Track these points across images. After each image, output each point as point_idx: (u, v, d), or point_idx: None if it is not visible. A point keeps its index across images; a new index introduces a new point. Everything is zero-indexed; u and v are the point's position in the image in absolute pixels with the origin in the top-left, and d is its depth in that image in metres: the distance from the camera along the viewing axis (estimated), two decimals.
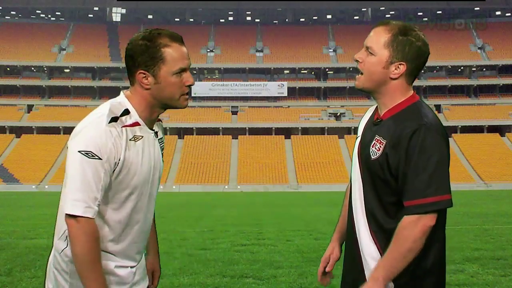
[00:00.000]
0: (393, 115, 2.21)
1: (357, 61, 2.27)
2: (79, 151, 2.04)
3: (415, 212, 2.05)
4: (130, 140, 2.12)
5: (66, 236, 2.11)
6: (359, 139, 2.34)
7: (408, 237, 2.05)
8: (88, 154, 2.03)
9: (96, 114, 2.13)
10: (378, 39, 2.22)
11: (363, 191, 2.24)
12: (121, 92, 2.23)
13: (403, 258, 2.05)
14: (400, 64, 2.20)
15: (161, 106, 2.21)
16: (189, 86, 2.21)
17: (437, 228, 2.13)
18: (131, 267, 2.22)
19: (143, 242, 2.28)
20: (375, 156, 2.18)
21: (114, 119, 2.10)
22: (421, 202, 2.05)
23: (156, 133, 2.27)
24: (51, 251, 2.22)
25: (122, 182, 2.12)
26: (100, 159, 2.04)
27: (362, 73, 2.26)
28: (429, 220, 2.06)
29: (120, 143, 2.09)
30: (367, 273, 2.19)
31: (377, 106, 2.34)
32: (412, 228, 2.05)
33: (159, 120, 2.32)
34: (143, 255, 2.34)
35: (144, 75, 2.14)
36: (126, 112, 2.14)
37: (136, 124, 2.15)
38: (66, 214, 2.05)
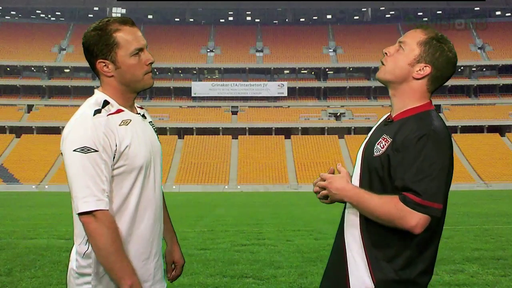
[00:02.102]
0: (405, 118, 2.22)
1: (385, 54, 2.29)
2: (74, 150, 2.07)
3: (409, 205, 2.06)
4: (120, 125, 2.16)
5: (87, 240, 2.13)
6: (367, 139, 2.36)
7: (392, 214, 2.07)
8: (83, 149, 2.06)
9: (78, 114, 2.17)
10: (413, 36, 2.26)
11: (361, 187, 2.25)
12: (95, 90, 2.28)
13: (373, 214, 2.12)
14: (425, 66, 2.22)
15: (130, 90, 2.25)
16: (150, 64, 2.25)
17: (430, 237, 2.15)
18: (154, 257, 2.24)
19: (160, 222, 2.31)
20: (377, 153, 2.19)
21: (98, 111, 2.15)
22: (416, 201, 2.06)
23: (143, 115, 2.32)
24: (68, 262, 2.24)
25: (125, 167, 2.15)
26: (96, 151, 2.07)
27: (385, 65, 2.28)
28: (412, 218, 2.06)
29: (111, 130, 2.12)
30: (350, 267, 2.20)
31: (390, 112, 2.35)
32: (400, 214, 2.07)
33: (142, 107, 2.39)
34: (161, 253, 2.35)
35: (104, 63, 2.19)
36: (106, 102, 2.19)
37: (120, 110, 2.20)
38: (80, 213, 2.06)
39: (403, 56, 2.24)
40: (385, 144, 2.18)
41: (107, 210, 2.07)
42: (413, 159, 2.08)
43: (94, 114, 2.13)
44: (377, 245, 2.16)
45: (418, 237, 2.11)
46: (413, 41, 2.24)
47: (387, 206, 2.08)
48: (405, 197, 2.07)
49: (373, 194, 2.12)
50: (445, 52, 2.23)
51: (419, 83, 2.23)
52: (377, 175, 2.18)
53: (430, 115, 2.20)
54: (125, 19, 2.24)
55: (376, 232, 2.17)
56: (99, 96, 2.22)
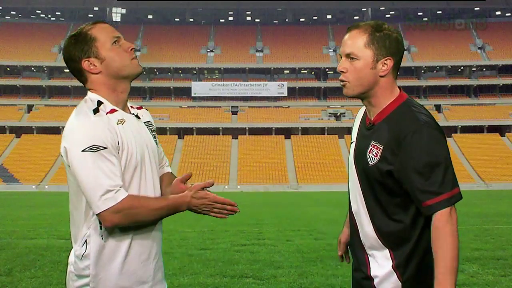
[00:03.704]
0: (385, 117, 2.20)
1: (341, 72, 2.23)
2: (83, 151, 2.06)
3: (441, 208, 2.07)
4: (117, 124, 2.17)
5: (85, 241, 2.14)
6: (353, 144, 2.34)
7: (451, 232, 2.06)
8: (92, 148, 2.06)
9: (78, 116, 2.15)
10: (356, 42, 2.19)
11: (364, 198, 2.24)
12: (88, 92, 2.27)
13: (457, 252, 2.06)
14: (387, 59, 2.19)
15: (120, 81, 2.25)
16: (133, 50, 2.27)
17: None
18: (154, 257, 2.25)
19: (160, 223, 2.31)
20: (373, 162, 2.18)
21: (97, 110, 2.16)
22: (443, 198, 2.06)
23: (136, 116, 2.32)
24: (67, 264, 2.24)
25: (123, 165, 2.15)
26: (105, 148, 2.08)
27: (348, 81, 2.22)
28: (455, 212, 2.09)
29: (113, 127, 2.14)
30: (375, 280, 2.21)
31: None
32: (447, 223, 2.06)
33: (141, 107, 2.40)
34: (161, 254, 2.34)
35: (89, 62, 2.21)
36: (100, 103, 2.20)
37: (113, 110, 2.21)
38: (100, 213, 2.05)
39: (361, 65, 2.18)
40: (378, 152, 2.16)
41: (126, 196, 2.08)
42: (417, 158, 2.08)
43: (94, 113, 2.13)
44: (398, 245, 2.18)
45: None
46: (360, 47, 2.18)
47: (447, 233, 2.06)
48: (430, 207, 2.08)
49: (437, 257, 2.07)
50: (391, 37, 2.19)
51: (386, 78, 2.21)
52: (378, 182, 2.18)
53: (409, 107, 2.19)
54: (96, 21, 2.29)
55: (393, 234, 2.18)
56: (92, 96, 2.22)
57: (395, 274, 2.17)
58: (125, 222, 2.08)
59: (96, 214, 2.07)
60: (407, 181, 2.10)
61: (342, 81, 2.23)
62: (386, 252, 2.19)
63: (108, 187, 2.04)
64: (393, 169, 2.12)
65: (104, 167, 2.05)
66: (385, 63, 2.19)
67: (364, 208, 2.24)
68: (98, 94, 2.22)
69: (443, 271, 2.04)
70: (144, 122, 2.35)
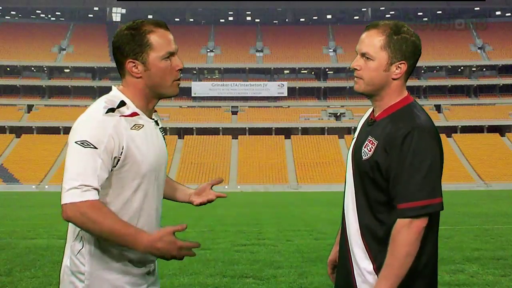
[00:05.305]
0: (387, 116, 2.22)
1: (355, 69, 2.25)
2: (75, 142, 2.04)
3: (407, 215, 2.07)
4: (131, 129, 2.12)
5: (81, 237, 2.12)
6: (354, 140, 2.35)
7: (404, 242, 2.07)
8: (83, 143, 2.02)
9: (91, 108, 2.13)
10: (373, 42, 2.20)
11: (355, 192, 2.25)
12: (113, 87, 2.23)
13: (403, 263, 2.07)
14: (400, 64, 2.20)
15: (154, 95, 2.21)
16: (180, 71, 2.21)
17: (428, 230, 2.14)
18: (150, 262, 2.22)
19: (157, 226, 2.27)
20: (366, 157, 2.19)
21: (111, 110, 2.10)
22: (413, 205, 2.06)
23: (156, 121, 2.27)
24: (62, 259, 2.21)
25: (130, 171, 2.11)
26: (95, 148, 2.03)
27: (362, 78, 2.25)
28: (421, 222, 2.08)
29: (120, 131, 2.08)
30: (357, 279, 2.21)
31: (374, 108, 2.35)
32: (406, 232, 2.07)
33: (155, 110, 2.32)
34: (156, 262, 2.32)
35: (134, 64, 2.15)
36: (123, 103, 2.15)
37: (134, 114, 2.16)
38: (63, 204, 2.00)
39: (375, 66, 2.20)
40: (372, 147, 2.18)
41: (92, 199, 2.00)
42: (403, 159, 2.08)
43: (106, 112, 2.09)
44: (381, 246, 2.16)
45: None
46: (376, 48, 2.19)
47: (399, 242, 2.07)
48: (399, 212, 2.08)
49: (386, 259, 2.09)
50: (409, 40, 2.19)
51: (398, 81, 2.23)
52: (368, 178, 2.19)
53: (411, 109, 2.20)
54: (159, 22, 2.20)
55: (377, 237, 2.17)
56: (116, 94, 2.18)
57: (376, 276, 2.16)
58: (77, 223, 2.01)
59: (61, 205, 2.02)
60: (391, 180, 2.12)
61: (356, 77, 2.26)
62: (368, 253, 2.19)
63: (78, 184, 1.99)
64: (382, 166, 2.13)
65: (84, 164, 2.01)
66: (399, 67, 2.20)
67: (354, 203, 2.25)
68: (125, 94, 2.18)
69: (385, 275, 2.08)
70: (159, 128, 2.31)
